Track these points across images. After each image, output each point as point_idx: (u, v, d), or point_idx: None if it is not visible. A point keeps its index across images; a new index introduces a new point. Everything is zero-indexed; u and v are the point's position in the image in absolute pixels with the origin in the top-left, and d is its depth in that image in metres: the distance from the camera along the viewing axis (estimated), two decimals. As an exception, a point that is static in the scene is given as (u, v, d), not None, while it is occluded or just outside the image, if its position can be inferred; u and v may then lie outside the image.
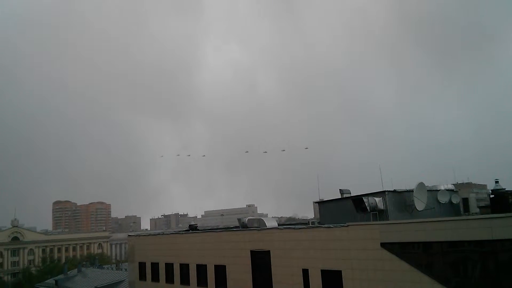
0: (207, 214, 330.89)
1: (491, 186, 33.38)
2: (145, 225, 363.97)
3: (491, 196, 31.69)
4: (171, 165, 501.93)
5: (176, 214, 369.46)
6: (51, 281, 77.35)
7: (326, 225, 26.80)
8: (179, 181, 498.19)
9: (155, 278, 39.26)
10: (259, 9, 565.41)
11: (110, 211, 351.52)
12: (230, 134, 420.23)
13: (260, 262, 29.63)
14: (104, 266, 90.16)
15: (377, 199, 27.73)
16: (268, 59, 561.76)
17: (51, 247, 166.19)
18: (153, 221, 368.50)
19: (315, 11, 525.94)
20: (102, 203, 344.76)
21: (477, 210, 34.23)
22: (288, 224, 43.58)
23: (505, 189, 31.49)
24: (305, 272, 26.51)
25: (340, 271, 24.56)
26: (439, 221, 22.34)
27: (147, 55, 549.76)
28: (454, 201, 31.72)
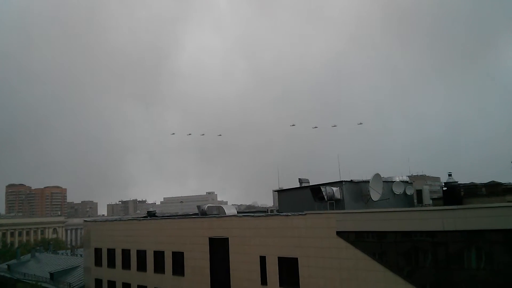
0: (166, 200, 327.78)
1: (444, 179, 34.58)
2: (102, 210, 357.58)
3: (444, 188, 32.79)
4: (137, 150, 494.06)
5: (134, 200, 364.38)
6: (3, 265, 75.30)
7: (284, 213, 27.11)
8: (142, 167, 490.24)
9: (111, 264, 38.82)
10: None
11: (66, 196, 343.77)
12: (204, 120, 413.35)
13: (218, 249, 29.74)
14: (58, 251, 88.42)
15: (334, 188, 28.23)
16: (246, 48, 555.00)
17: (3, 231, 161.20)
18: (110, 207, 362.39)
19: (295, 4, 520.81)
20: (57, 187, 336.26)
21: (430, 201, 35.36)
22: (248, 212, 43.83)
23: (457, 182, 32.64)
24: (263, 259, 26.82)
25: (297, 259, 24.98)
26: (393, 211, 23.01)
27: (123, 39, 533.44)
28: (408, 192, 32.65)
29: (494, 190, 34.26)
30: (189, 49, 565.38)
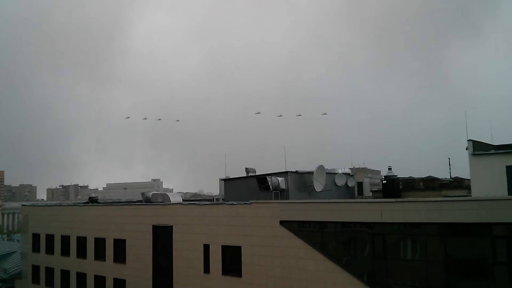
0: (110, 186, 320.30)
1: (384, 172, 35.97)
2: (42, 195, 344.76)
3: (384, 181, 34.12)
4: (83, 133, 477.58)
5: (76, 186, 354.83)
6: None
7: (229, 202, 27.29)
8: (86, 151, 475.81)
9: (50, 250, 37.81)
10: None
11: (3, 179, 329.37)
12: (153, 104, 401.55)
13: (162, 237, 29.57)
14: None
15: (279, 179, 28.71)
16: (197, 30, 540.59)
17: None
18: (50, 191, 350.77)
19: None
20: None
21: (370, 194, 36.72)
22: (193, 200, 43.76)
23: (396, 175, 34.03)
24: (206, 248, 26.92)
25: (240, 247, 25.24)
26: (334, 202, 23.69)
27: (71, 15, 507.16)
28: (350, 184, 33.67)
29: (431, 184, 36.07)
30: (145, 31, 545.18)
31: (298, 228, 23.13)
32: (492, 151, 26.78)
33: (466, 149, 26.43)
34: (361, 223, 21.39)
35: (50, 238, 38.05)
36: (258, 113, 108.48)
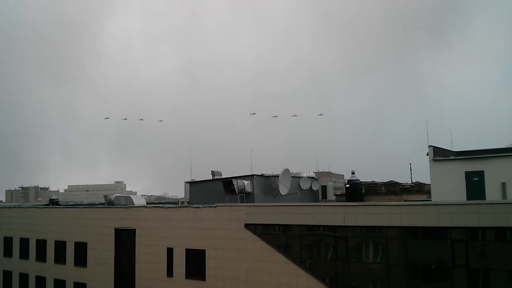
0: (71, 188, 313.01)
1: (348, 176, 36.59)
2: (0, 196, 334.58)
3: (347, 185, 34.70)
4: (48, 134, 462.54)
5: (36, 187, 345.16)
6: None
7: (194, 205, 27.17)
8: (50, 152, 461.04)
9: (8, 253, 36.70)
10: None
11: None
12: (120, 106, 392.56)
13: (125, 240, 29.14)
14: None
15: (245, 182, 28.78)
16: (170, 33, 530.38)
17: None
18: (9, 193, 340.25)
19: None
20: None
21: (334, 197, 37.25)
22: (157, 203, 43.35)
23: (359, 180, 34.67)
24: (170, 251, 26.68)
25: (204, 250, 25.14)
26: (299, 205, 23.89)
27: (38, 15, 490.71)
28: (314, 188, 34.07)
29: (393, 189, 36.89)
30: (115, 32, 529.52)
31: (262, 231, 23.23)
32: (452, 157, 27.54)
33: (427, 155, 27.11)
34: (324, 226, 21.66)
35: (8, 241, 36.95)
36: (254, 113, 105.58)
